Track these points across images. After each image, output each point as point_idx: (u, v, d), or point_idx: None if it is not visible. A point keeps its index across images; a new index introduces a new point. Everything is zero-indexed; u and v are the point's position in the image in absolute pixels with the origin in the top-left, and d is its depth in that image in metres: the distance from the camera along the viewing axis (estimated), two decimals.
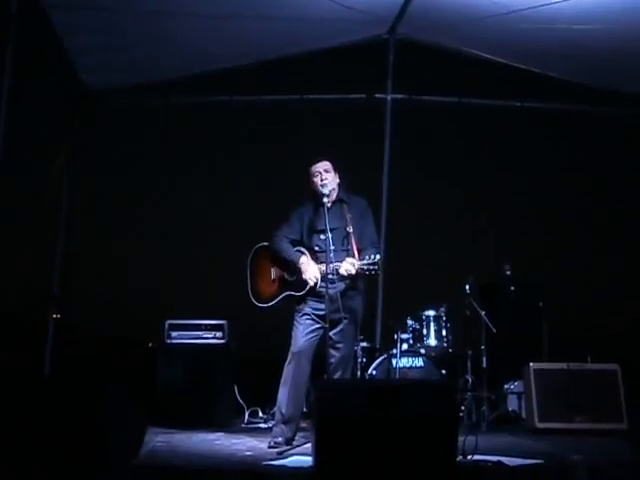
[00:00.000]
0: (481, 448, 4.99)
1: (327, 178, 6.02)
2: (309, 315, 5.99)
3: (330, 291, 5.76)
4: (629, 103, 7.95)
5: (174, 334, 7.02)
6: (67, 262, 7.55)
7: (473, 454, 4.89)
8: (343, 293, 5.85)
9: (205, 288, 7.76)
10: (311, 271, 5.92)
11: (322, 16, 6.90)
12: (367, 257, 5.72)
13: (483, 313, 7.08)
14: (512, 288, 7.58)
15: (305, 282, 5.95)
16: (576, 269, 8.08)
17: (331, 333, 5.83)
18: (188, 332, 7.02)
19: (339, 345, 5.89)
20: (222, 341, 7.04)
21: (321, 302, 5.90)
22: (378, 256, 5.72)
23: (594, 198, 8.33)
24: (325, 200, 5.91)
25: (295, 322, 6.06)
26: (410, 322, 7.27)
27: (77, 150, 7.65)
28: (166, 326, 7.02)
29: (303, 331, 5.98)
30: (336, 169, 6.11)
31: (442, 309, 7.26)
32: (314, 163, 6.08)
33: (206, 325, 7.05)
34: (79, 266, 7.80)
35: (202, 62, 7.53)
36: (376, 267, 5.70)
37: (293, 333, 6.04)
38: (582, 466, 4.93)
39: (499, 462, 4.91)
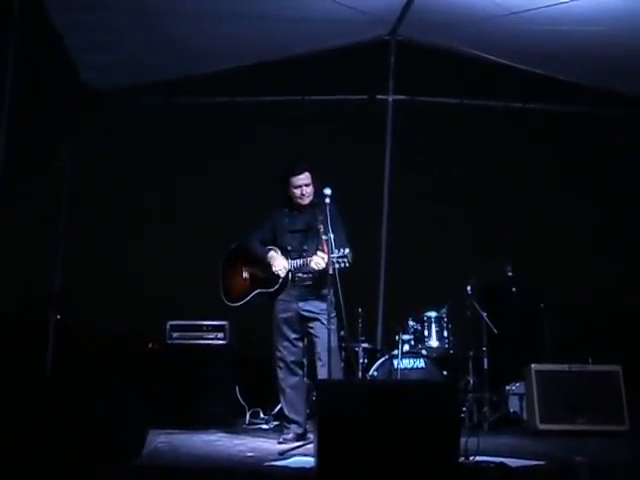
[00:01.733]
0: (483, 449, 4.97)
1: (307, 192, 6.17)
2: (286, 315, 6.14)
3: (300, 290, 6.05)
4: (631, 105, 7.94)
5: (175, 335, 7.04)
6: (68, 262, 7.54)
7: (475, 455, 4.88)
8: (314, 285, 6.07)
9: (206, 288, 7.74)
10: (280, 262, 6.08)
11: (324, 17, 6.89)
12: (337, 251, 5.82)
13: (484, 314, 7.07)
14: (513, 289, 7.60)
15: (276, 278, 6.09)
16: (577, 270, 8.06)
17: (308, 328, 6.08)
18: (189, 333, 7.04)
19: (315, 339, 6.07)
20: (223, 342, 7.04)
21: (295, 298, 6.10)
22: (347, 249, 5.83)
23: (595, 200, 8.32)
24: (299, 207, 6.18)
25: (274, 326, 6.20)
26: (411, 323, 7.26)
27: (78, 150, 7.64)
28: (167, 327, 7.03)
29: (284, 334, 6.15)
30: (314, 177, 6.20)
31: (443, 310, 7.25)
32: (296, 174, 6.18)
33: (207, 326, 7.06)
34: (80, 266, 7.78)
35: (204, 62, 7.53)
36: (345, 259, 5.80)
37: (274, 338, 6.18)
38: (584, 467, 4.91)
39: (501, 463, 4.89)
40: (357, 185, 7.33)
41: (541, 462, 5.16)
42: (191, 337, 7.04)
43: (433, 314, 7.26)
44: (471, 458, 4.85)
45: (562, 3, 6.41)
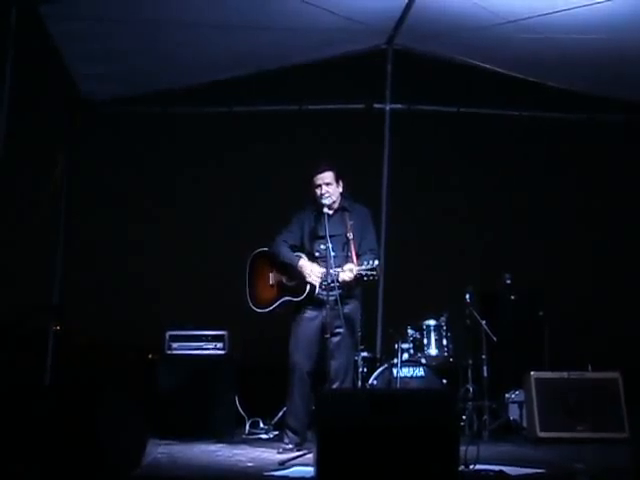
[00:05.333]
0: (482, 457, 4.98)
1: (328, 191, 6.05)
2: (308, 324, 6.02)
3: (326, 300, 5.80)
4: (629, 112, 7.96)
5: (175, 345, 7.02)
6: (67, 272, 7.54)
7: (475, 464, 4.88)
8: (341, 300, 5.82)
9: (206, 298, 7.75)
10: (314, 271, 5.93)
11: (320, 27, 6.91)
12: (365, 263, 5.75)
13: (484, 322, 7.08)
14: (512, 297, 7.59)
15: (304, 287, 5.97)
16: (576, 278, 8.08)
17: (329, 342, 5.82)
18: (189, 343, 7.02)
19: (337, 354, 5.90)
20: (223, 352, 7.03)
21: (319, 309, 5.95)
22: (377, 262, 5.76)
23: (594, 206, 8.33)
24: (325, 210, 5.95)
25: (293, 332, 6.07)
26: (411, 331, 7.25)
27: (76, 160, 7.64)
28: (167, 337, 7.02)
29: (303, 341, 6.02)
30: (338, 179, 6.13)
31: (443, 318, 7.25)
32: (317, 172, 6.09)
33: (207, 336, 7.05)
34: (79, 276, 7.79)
35: (201, 72, 7.54)
36: (374, 273, 5.73)
37: (291, 343, 6.05)
38: (584, 475, 4.92)
39: (501, 472, 4.90)
40: (355, 193, 7.28)
41: (541, 470, 5.16)
42: (191, 347, 7.02)
43: (432, 322, 7.25)
44: (471, 467, 4.86)
45: (558, 12, 6.43)
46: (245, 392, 7.11)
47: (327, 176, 6.09)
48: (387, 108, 8.22)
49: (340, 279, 5.82)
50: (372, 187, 8.12)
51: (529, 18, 6.59)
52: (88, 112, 7.61)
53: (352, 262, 5.81)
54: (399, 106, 8.24)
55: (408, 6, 6.79)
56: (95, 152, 7.97)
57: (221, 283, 7.53)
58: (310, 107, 8.17)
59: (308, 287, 5.98)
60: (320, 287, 5.92)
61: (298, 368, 6.02)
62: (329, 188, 6.05)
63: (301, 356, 6.02)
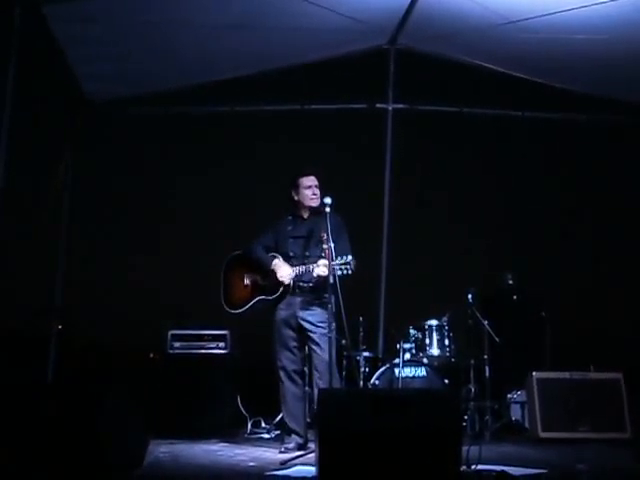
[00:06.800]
0: (484, 458, 4.98)
1: (318, 194, 6.18)
2: (287, 324, 6.12)
3: (301, 298, 6.03)
4: (630, 113, 7.96)
5: (177, 344, 7.04)
6: (69, 274, 7.54)
7: (477, 464, 4.88)
8: (315, 297, 6.04)
9: (207, 298, 7.75)
10: (284, 270, 6.07)
11: (323, 26, 6.91)
12: (339, 258, 5.82)
13: (486, 322, 7.07)
14: (514, 297, 7.59)
15: (278, 286, 6.08)
16: (578, 278, 8.08)
17: (308, 339, 6.06)
18: (191, 342, 7.04)
19: (317, 349, 6.03)
20: (224, 351, 7.04)
21: (292, 308, 6.09)
22: (350, 257, 5.83)
23: (596, 207, 8.33)
24: (301, 213, 6.19)
25: (275, 334, 6.18)
26: (412, 331, 7.26)
27: (78, 161, 7.65)
28: (169, 336, 7.04)
29: (285, 342, 6.13)
30: (320, 184, 6.24)
31: (445, 318, 7.25)
32: (305, 175, 6.22)
33: (208, 335, 7.06)
34: (81, 278, 7.79)
35: (203, 72, 7.54)
36: (348, 266, 5.79)
37: (274, 346, 6.15)
38: (586, 475, 4.92)
39: (503, 472, 4.89)
40: (357, 194, 7.33)
41: (543, 470, 5.15)
42: (192, 347, 7.03)
43: (434, 322, 7.26)
44: (473, 467, 4.85)
45: (560, 12, 6.43)
46: (247, 391, 7.12)
47: (315, 178, 6.23)
48: (389, 108, 8.23)
49: (315, 274, 5.95)
50: (374, 186, 8.13)
51: (531, 18, 6.59)
52: (90, 112, 7.61)
53: (326, 258, 5.88)
54: (401, 106, 8.25)
55: (410, 6, 6.80)
56: (97, 152, 7.97)
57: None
58: (312, 107, 8.18)
59: (281, 287, 6.09)
60: (293, 286, 6.06)
61: (284, 369, 6.13)
62: (317, 191, 6.19)
63: (285, 357, 6.13)
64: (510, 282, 7.55)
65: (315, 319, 6.06)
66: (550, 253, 8.26)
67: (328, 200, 5.95)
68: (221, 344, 7.04)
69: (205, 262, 7.98)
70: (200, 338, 7.05)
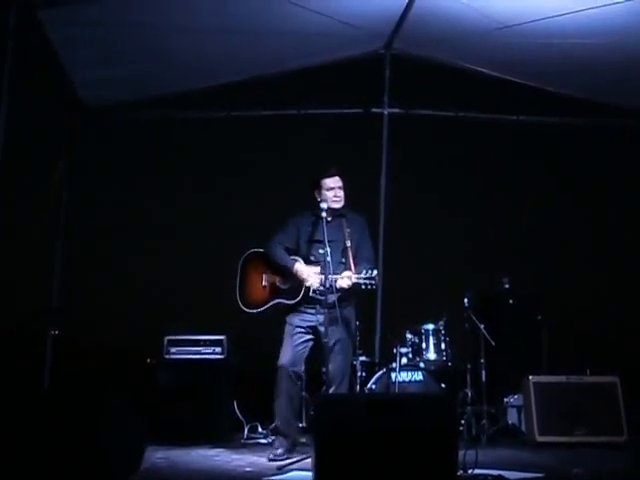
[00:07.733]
0: (481, 462, 5.00)
1: (341, 196, 6.03)
2: (301, 327, 6.02)
3: (320, 306, 5.81)
4: (627, 117, 7.98)
5: (173, 349, 7.02)
6: (66, 277, 7.54)
7: (473, 468, 4.89)
8: (338, 303, 5.79)
9: (205, 302, 7.76)
10: (312, 275, 5.89)
11: (318, 31, 6.92)
12: (364, 272, 5.72)
13: (482, 326, 7.08)
14: (511, 301, 7.60)
15: (299, 290, 5.94)
16: (575, 282, 8.09)
17: (326, 346, 5.81)
18: (187, 347, 7.02)
19: (334, 358, 5.89)
20: (221, 356, 7.03)
21: (313, 313, 5.95)
22: (375, 271, 5.73)
23: (592, 211, 8.35)
24: (324, 215, 5.89)
25: (285, 334, 6.07)
26: (409, 336, 7.25)
27: (75, 166, 7.65)
28: (165, 342, 7.02)
29: (292, 343, 6.01)
30: (345, 185, 6.11)
31: (441, 323, 7.24)
32: (328, 175, 6.06)
33: (205, 340, 7.05)
34: (78, 281, 7.79)
35: (200, 77, 7.55)
36: (373, 282, 5.71)
37: (283, 345, 6.05)
38: (582, 479, 4.92)
39: (499, 476, 4.91)
40: (353, 198, 7.28)
41: (540, 474, 5.17)
42: (189, 352, 7.02)
43: (431, 327, 7.25)
44: (469, 471, 4.87)
45: (556, 16, 6.44)
46: (243, 397, 7.10)
47: (339, 179, 6.07)
48: (385, 112, 8.24)
49: (338, 285, 5.81)
50: (370, 191, 8.14)
51: (526, 23, 6.60)
52: (87, 116, 7.61)
53: (350, 269, 5.80)
54: (397, 110, 8.26)
55: (406, 11, 6.80)
56: (94, 156, 7.97)
57: (220, 287, 7.51)
58: (308, 111, 8.18)
59: (303, 290, 5.95)
60: (315, 292, 5.90)
61: (285, 368, 5.97)
62: (342, 193, 6.04)
63: (291, 358, 5.98)
64: (506, 286, 7.57)
65: (336, 326, 5.80)
66: (547, 257, 8.28)
67: (324, 205, 5.92)
68: (217, 349, 7.03)
69: (205, 265, 8.01)
70: (196, 343, 7.04)
